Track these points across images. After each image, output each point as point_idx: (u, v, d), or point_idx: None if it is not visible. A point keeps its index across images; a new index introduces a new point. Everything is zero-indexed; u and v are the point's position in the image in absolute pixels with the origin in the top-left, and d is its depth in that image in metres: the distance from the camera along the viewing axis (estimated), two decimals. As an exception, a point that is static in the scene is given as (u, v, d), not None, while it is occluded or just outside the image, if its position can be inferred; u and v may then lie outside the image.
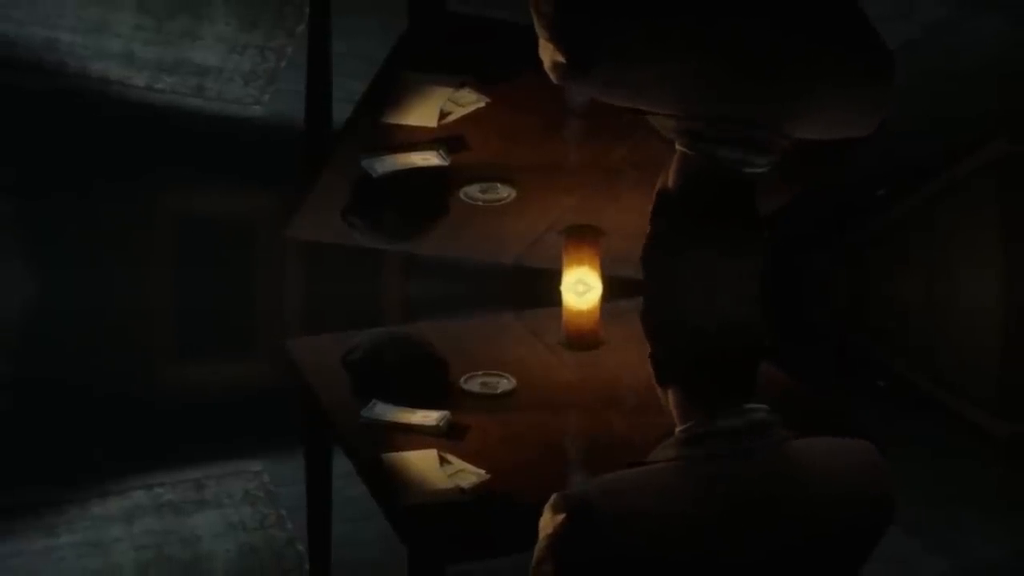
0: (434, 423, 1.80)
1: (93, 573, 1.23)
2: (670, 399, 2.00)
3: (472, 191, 2.69)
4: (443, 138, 2.58)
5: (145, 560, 1.26)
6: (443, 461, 1.54)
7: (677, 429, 1.73)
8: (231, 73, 2.59)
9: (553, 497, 1.32)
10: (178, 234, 2.71)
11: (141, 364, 2.44)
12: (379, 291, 2.88)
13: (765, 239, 2.40)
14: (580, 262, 2.75)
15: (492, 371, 2.28)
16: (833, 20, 2.08)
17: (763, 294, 2.44)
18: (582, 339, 2.70)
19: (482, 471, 1.49)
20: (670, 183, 2.32)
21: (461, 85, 2.46)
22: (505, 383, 2.17)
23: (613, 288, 2.82)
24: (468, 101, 2.53)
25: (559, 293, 2.77)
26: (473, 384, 2.16)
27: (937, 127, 2.57)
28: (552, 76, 2.16)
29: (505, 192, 2.70)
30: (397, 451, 1.64)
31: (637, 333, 2.53)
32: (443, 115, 2.55)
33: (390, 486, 1.47)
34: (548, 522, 1.25)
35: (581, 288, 2.74)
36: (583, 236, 2.77)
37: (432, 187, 2.67)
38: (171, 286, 2.70)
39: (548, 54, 2.10)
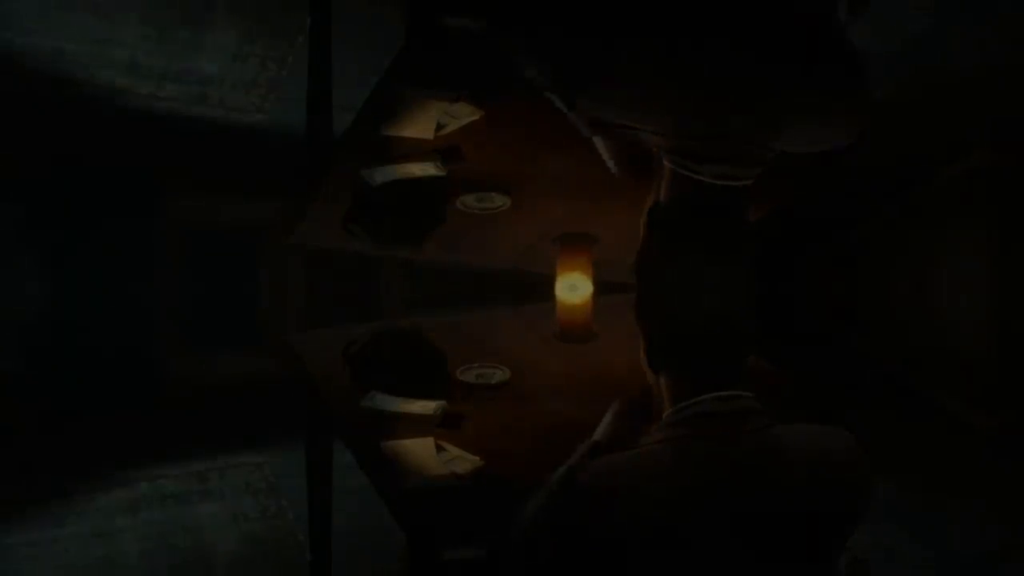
0: (431, 412, 1.84)
1: (99, 562, 1.25)
2: (660, 384, 2.04)
3: (468, 200, 2.74)
4: (440, 149, 2.62)
5: (149, 549, 1.28)
6: (440, 449, 1.58)
7: (665, 412, 1.77)
8: (233, 82, 2.63)
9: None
10: (182, 236, 2.74)
11: (145, 359, 2.46)
12: (379, 288, 2.91)
13: (753, 245, 2.45)
14: (573, 268, 2.79)
15: (487, 363, 2.32)
16: (808, 37, 2.13)
17: (755, 294, 2.48)
18: (575, 332, 2.73)
19: (477, 458, 1.53)
20: (661, 195, 2.38)
21: (457, 98, 2.51)
22: (500, 374, 2.20)
23: (604, 291, 2.85)
24: (464, 114, 2.58)
25: (554, 292, 2.81)
26: (469, 375, 2.20)
27: (924, 134, 2.62)
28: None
29: (500, 201, 2.75)
30: (396, 439, 1.68)
31: (628, 326, 2.57)
32: (439, 127, 2.60)
33: (388, 473, 1.51)
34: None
35: (575, 289, 2.78)
36: (576, 243, 2.81)
37: (429, 196, 2.71)
38: (175, 286, 2.72)
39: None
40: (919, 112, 2.58)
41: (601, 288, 2.80)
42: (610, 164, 2.48)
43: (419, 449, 1.59)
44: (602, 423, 1.82)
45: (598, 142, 2.45)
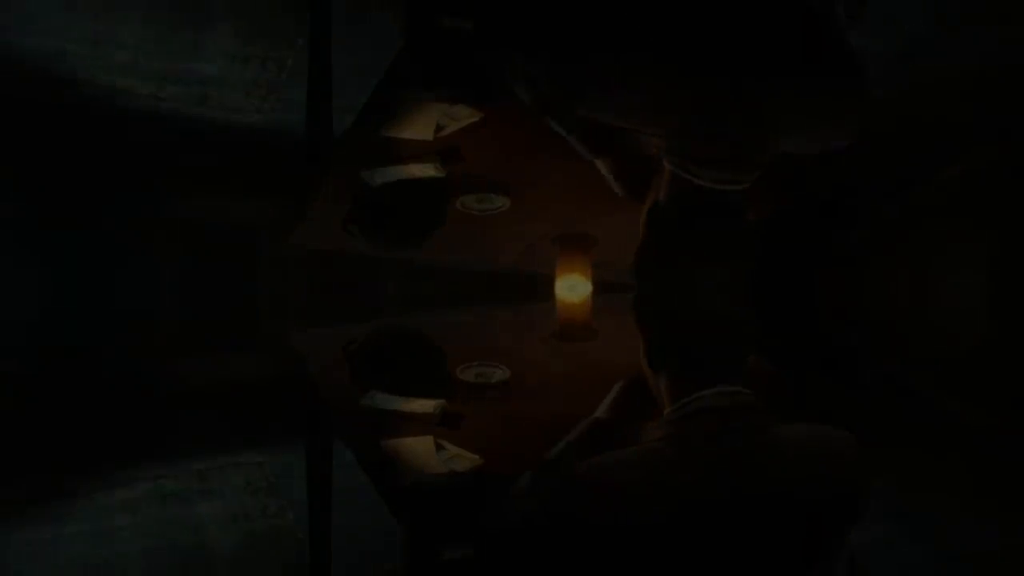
0: (431, 411, 1.85)
1: (100, 560, 1.24)
2: (660, 383, 2.05)
3: (468, 201, 2.76)
4: (439, 150, 2.64)
5: (149, 548, 1.28)
6: (439, 447, 1.58)
7: (666, 411, 1.78)
8: (233, 83, 2.64)
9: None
10: (182, 236, 2.74)
11: (146, 359, 2.46)
12: (379, 288, 2.92)
13: (752, 246, 2.46)
14: (573, 268, 2.81)
15: (487, 362, 2.32)
16: (806, 37, 2.14)
17: (754, 294, 2.49)
18: (575, 331, 2.75)
19: (477, 457, 1.53)
20: (660, 196, 2.40)
21: (456, 100, 2.53)
22: (500, 373, 2.21)
23: (604, 291, 2.87)
24: (463, 115, 2.59)
25: (553, 292, 2.83)
26: (469, 374, 2.20)
27: (924, 134, 2.62)
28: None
29: (499, 202, 2.76)
30: (395, 438, 1.68)
31: (629, 326, 2.58)
32: (439, 128, 2.61)
33: (388, 471, 1.51)
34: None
35: (574, 289, 2.81)
36: (576, 243, 2.83)
37: (429, 197, 2.73)
38: (175, 286, 2.72)
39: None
40: (919, 112, 2.58)
41: (601, 288, 2.81)
42: (614, 185, 2.50)
43: (419, 448, 1.60)
44: (603, 402, 1.83)
45: (601, 164, 2.48)
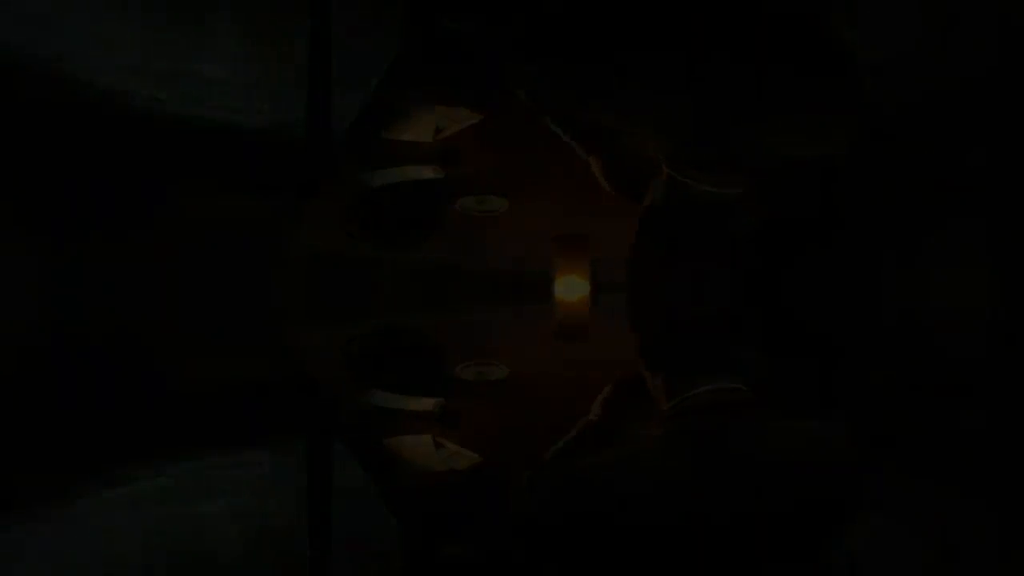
0: (431, 409, 1.86)
1: (99, 559, 1.24)
2: (656, 381, 2.05)
3: (467, 203, 2.77)
4: (439, 152, 2.65)
5: (150, 547, 1.28)
6: (438, 445, 1.59)
7: (662, 407, 1.78)
8: (234, 83, 2.64)
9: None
10: (183, 236, 2.75)
11: (146, 359, 2.47)
12: (379, 288, 2.93)
13: (748, 247, 2.47)
14: (571, 268, 2.82)
15: (486, 360, 2.33)
16: (804, 43, 2.16)
17: (754, 294, 2.50)
18: (573, 330, 2.76)
19: (475, 455, 1.54)
20: (656, 198, 2.41)
21: (456, 101, 2.54)
22: (499, 371, 2.22)
23: (602, 290, 2.89)
24: (463, 117, 2.60)
25: (551, 291, 2.85)
26: (468, 372, 2.21)
27: (924, 134, 2.63)
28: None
29: (498, 203, 2.77)
30: (395, 437, 1.69)
31: (625, 324, 2.59)
32: (439, 130, 2.62)
33: (387, 470, 1.52)
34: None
35: (571, 289, 2.83)
36: (574, 244, 2.84)
37: (428, 199, 2.74)
38: (176, 286, 2.73)
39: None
40: (919, 113, 2.59)
41: (599, 287, 2.83)
42: (604, 185, 2.52)
43: (418, 446, 1.61)
44: (595, 404, 1.84)
45: (593, 162, 2.49)
